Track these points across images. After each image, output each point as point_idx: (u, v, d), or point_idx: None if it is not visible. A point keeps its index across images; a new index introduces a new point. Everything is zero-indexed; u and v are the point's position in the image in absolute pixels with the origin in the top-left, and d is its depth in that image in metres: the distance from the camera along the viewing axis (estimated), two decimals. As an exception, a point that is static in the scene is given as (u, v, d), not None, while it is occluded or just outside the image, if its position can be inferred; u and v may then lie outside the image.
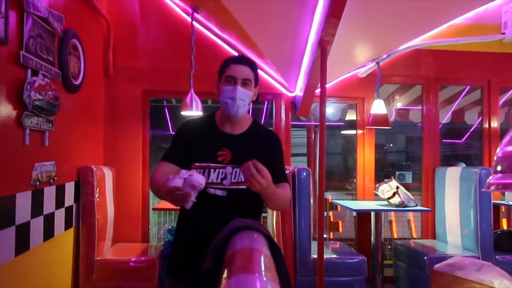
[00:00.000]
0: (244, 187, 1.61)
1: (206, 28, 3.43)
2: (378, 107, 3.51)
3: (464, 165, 4.79)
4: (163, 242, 3.34)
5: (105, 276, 2.74)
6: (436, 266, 1.70)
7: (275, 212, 3.05)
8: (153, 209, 3.03)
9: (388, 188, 3.28)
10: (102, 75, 3.29)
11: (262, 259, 0.89)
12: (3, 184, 1.81)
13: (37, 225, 2.14)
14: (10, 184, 1.87)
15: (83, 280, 2.71)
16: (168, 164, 1.62)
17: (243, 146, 1.66)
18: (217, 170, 1.60)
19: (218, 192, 1.58)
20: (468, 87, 4.62)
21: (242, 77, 1.58)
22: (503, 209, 4.04)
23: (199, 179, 1.37)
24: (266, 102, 8.43)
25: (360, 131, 3.80)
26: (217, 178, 1.58)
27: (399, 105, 5.11)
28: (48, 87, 2.11)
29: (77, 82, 2.64)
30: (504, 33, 3.72)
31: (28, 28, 1.96)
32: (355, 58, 3.44)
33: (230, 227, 1.44)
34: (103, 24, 3.21)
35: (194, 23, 3.25)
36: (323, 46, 2.74)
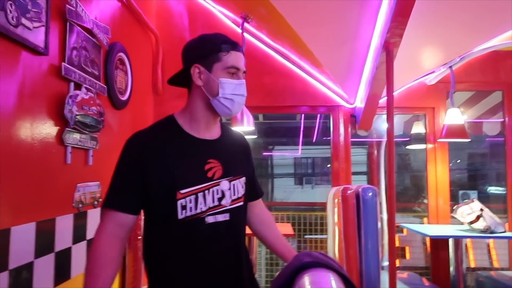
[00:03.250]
0: (242, 203, 1.27)
1: (257, 39, 3.23)
2: (453, 117, 3.07)
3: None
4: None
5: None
6: None
7: (337, 235, 2.71)
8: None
9: (469, 210, 2.82)
10: (151, 92, 3.18)
11: None
12: (42, 207, 1.66)
13: (79, 251, 1.97)
14: (49, 207, 1.71)
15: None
16: (118, 215, 1.18)
17: (229, 152, 1.31)
18: (211, 189, 1.21)
19: (220, 218, 1.21)
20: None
21: (244, 69, 1.27)
22: None
23: None
24: (318, 116, 7.93)
25: (430, 146, 3.37)
26: (214, 201, 1.21)
27: (464, 118, 4.56)
28: (92, 102, 1.98)
29: (124, 98, 2.52)
30: None
31: (71, 39, 1.84)
32: (423, 63, 3.06)
33: (296, 263, 1.16)
34: (152, 39, 3.12)
35: (245, 33, 3.06)
36: (388, 49, 2.42)
